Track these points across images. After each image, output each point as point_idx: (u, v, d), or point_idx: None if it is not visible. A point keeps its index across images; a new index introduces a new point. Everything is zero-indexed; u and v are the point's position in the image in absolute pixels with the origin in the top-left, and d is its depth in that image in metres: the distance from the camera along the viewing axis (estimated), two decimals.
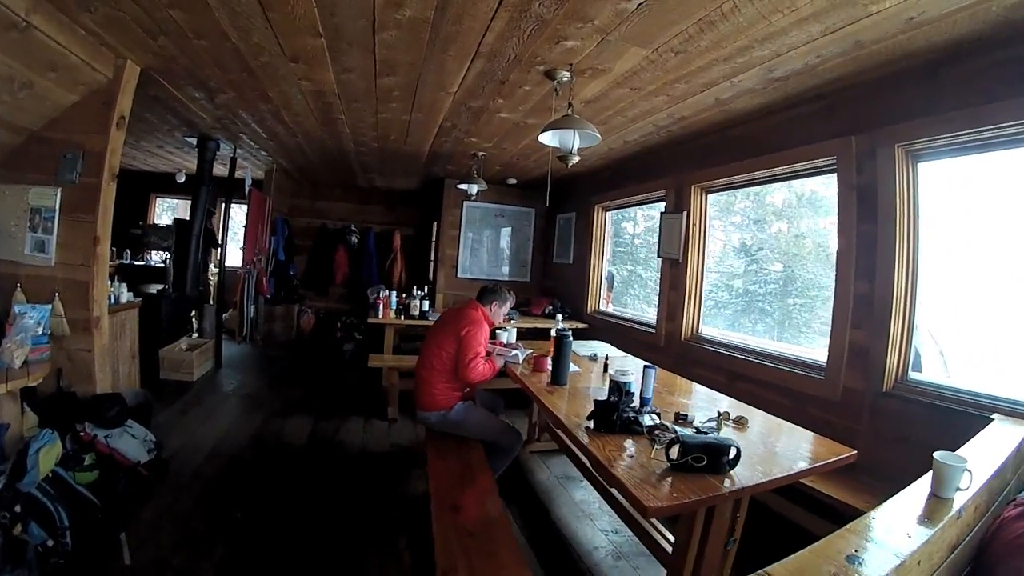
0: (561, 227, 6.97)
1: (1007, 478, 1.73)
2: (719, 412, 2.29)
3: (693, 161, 4.17)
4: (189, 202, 5.99)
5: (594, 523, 2.94)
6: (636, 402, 2.28)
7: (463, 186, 5.37)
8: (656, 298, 4.69)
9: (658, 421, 2.11)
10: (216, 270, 7.45)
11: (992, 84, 2.21)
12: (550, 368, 2.90)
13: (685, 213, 4.19)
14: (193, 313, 6.08)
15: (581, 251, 6.32)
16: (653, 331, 4.61)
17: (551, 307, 6.18)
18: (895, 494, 2.33)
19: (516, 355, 3.26)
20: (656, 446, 1.92)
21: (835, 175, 2.95)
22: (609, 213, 6.10)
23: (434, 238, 7.93)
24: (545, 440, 3.95)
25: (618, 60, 2.61)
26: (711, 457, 1.70)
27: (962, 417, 2.20)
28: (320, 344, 7.44)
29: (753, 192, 4.53)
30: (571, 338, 2.85)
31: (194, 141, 5.31)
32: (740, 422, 2.26)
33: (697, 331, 4.19)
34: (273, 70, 3.09)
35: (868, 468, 2.03)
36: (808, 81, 2.75)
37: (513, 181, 6.70)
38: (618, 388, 2.25)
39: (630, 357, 3.79)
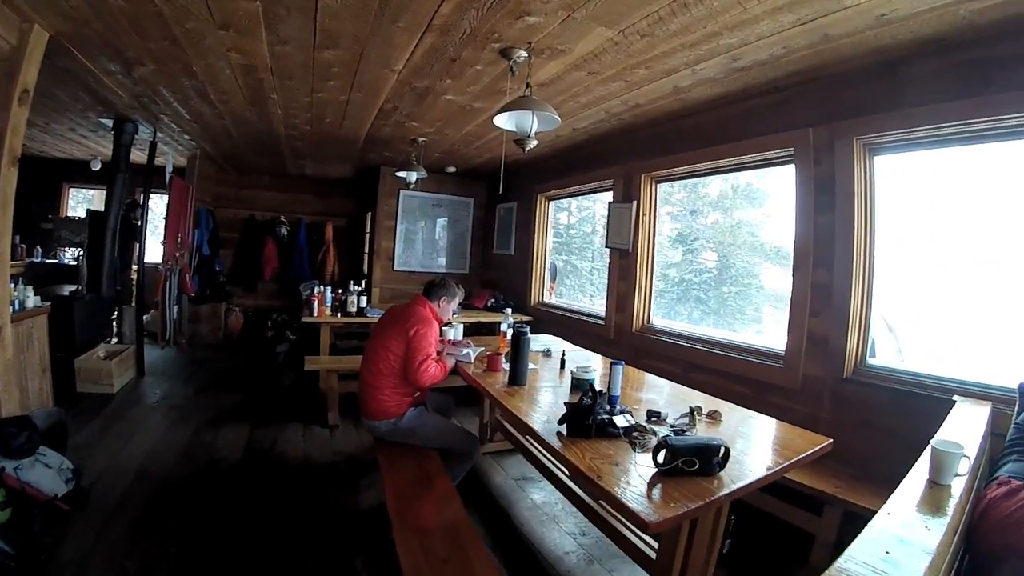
0: (502, 217, 6.80)
1: (982, 457, 1.76)
2: (691, 408, 2.23)
3: (644, 150, 4.12)
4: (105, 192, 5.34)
5: (559, 526, 2.83)
6: (606, 402, 2.18)
7: (402, 174, 5.08)
8: (591, 288, 4.64)
9: (633, 422, 2.02)
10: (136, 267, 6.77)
11: (951, 84, 2.28)
12: (506, 367, 2.74)
13: (635, 203, 4.15)
14: (113, 316, 5.45)
15: (523, 242, 6.18)
16: (602, 323, 4.57)
17: (493, 300, 6.01)
18: (861, 478, 2.38)
19: (468, 353, 3.07)
20: (637, 450, 1.82)
21: (784, 167, 2.98)
22: (552, 203, 6.00)
23: (368, 229, 7.56)
24: (498, 440, 3.80)
25: (580, 40, 2.47)
26: (703, 459, 1.61)
27: (923, 400, 2.26)
28: (250, 345, 6.92)
29: (690, 184, 4.57)
30: (529, 335, 2.71)
31: (110, 123, 4.73)
32: (713, 417, 2.21)
33: (648, 322, 4.17)
34: (200, 39, 2.72)
35: (833, 453, 2.05)
36: (769, 72, 2.73)
37: (452, 169, 6.46)
38: (590, 388, 2.14)
39: (583, 351, 3.71)
